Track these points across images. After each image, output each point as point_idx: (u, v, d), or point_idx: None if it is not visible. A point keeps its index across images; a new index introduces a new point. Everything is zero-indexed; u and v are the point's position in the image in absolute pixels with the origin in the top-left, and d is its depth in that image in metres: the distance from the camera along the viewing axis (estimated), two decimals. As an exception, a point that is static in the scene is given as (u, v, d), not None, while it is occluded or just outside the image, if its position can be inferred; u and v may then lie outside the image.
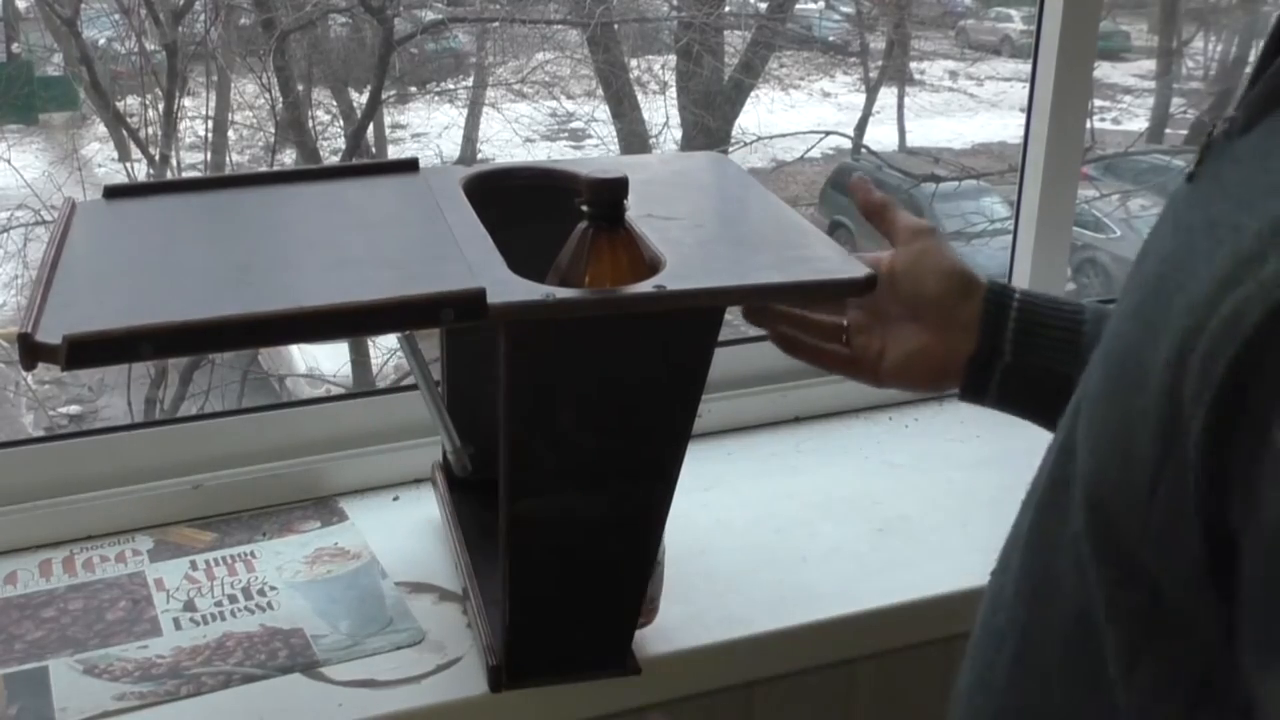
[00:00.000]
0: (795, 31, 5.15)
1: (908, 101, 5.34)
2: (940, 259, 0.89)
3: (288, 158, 3.69)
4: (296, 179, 1.06)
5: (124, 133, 3.64)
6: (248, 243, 0.91)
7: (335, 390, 3.43)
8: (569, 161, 1.02)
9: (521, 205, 1.00)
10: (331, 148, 3.80)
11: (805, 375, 1.36)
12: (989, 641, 0.68)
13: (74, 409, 3.59)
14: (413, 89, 4.40)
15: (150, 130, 3.54)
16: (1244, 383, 0.46)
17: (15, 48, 3.83)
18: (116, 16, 3.63)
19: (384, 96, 3.89)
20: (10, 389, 3.61)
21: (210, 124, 3.64)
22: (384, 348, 3.48)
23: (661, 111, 4.33)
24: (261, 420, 1.18)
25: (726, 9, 4.51)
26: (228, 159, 3.70)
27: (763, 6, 4.70)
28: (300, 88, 3.75)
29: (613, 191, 0.85)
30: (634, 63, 4.43)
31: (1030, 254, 1.41)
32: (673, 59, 4.42)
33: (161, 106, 3.44)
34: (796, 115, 4.83)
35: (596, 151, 4.26)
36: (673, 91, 4.39)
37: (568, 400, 0.82)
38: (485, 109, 4.41)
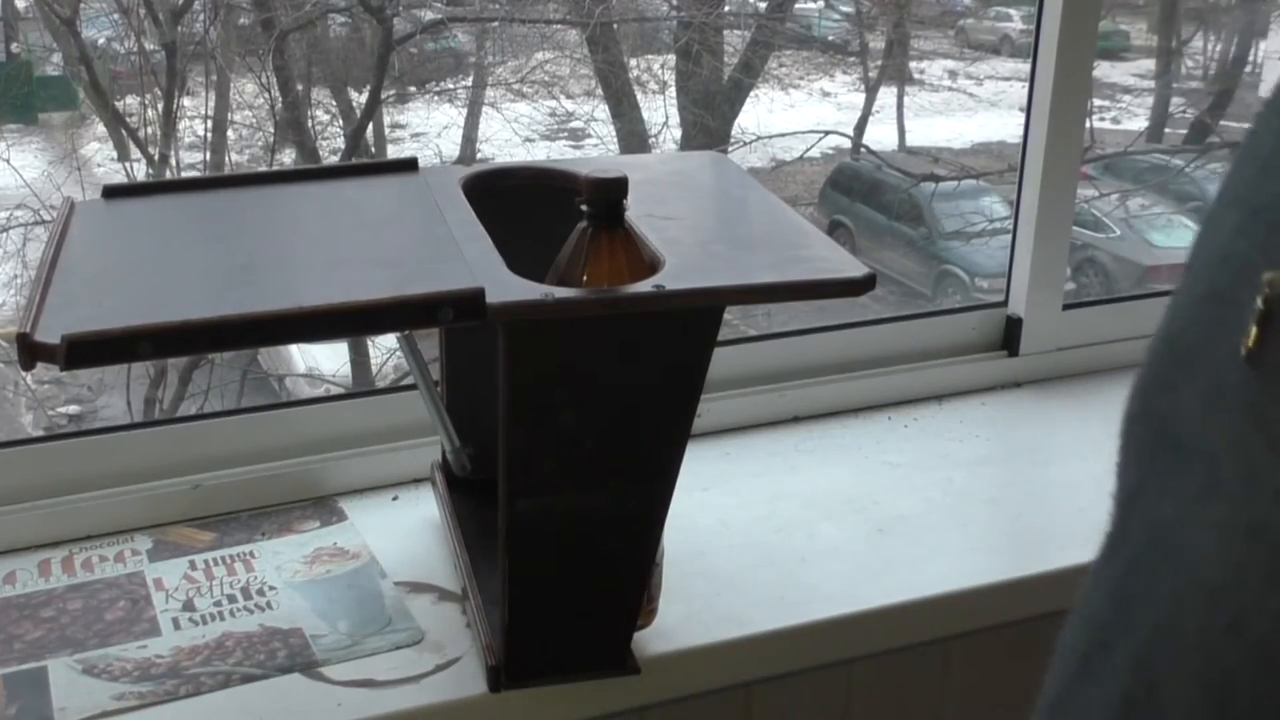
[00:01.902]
0: (795, 31, 5.15)
1: (907, 101, 5.34)
2: None
3: (287, 157, 3.69)
4: (296, 179, 1.06)
5: (123, 132, 3.64)
6: (247, 242, 0.91)
7: (335, 390, 3.42)
8: (568, 161, 1.02)
9: (521, 205, 1.00)
10: (331, 147, 3.79)
11: (805, 375, 1.36)
12: None
13: (73, 409, 3.58)
14: (412, 89, 4.40)
15: (149, 130, 3.54)
16: None
17: (14, 47, 3.83)
18: (116, 16, 3.63)
19: (383, 96, 3.88)
20: (9, 389, 3.61)
21: (209, 124, 3.64)
22: (383, 347, 3.47)
23: (661, 111, 4.33)
24: (261, 420, 1.18)
25: (726, 8, 4.51)
26: (227, 159, 3.70)
27: (762, 6, 4.70)
28: (299, 87, 3.75)
29: (612, 191, 0.85)
30: (633, 62, 4.43)
31: (1030, 254, 1.41)
32: (672, 58, 4.42)
33: (161, 106, 3.44)
34: (796, 115, 4.82)
35: (596, 151, 4.26)
36: (672, 91, 4.39)
37: (567, 400, 0.82)
38: (485, 109, 4.41)
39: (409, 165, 1.02)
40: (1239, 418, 0.45)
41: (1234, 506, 0.44)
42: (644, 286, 0.81)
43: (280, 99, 3.61)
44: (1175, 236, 4.58)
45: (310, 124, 3.81)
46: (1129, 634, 0.48)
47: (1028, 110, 1.41)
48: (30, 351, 0.71)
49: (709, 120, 4.31)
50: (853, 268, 0.85)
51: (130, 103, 3.61)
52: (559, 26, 4.32)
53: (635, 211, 0.88)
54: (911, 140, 5.33)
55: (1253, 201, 0.50)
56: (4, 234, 3.31)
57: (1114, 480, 0.55)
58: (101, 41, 3.73)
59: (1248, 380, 0.45)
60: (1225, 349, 0.46)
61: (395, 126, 4.38)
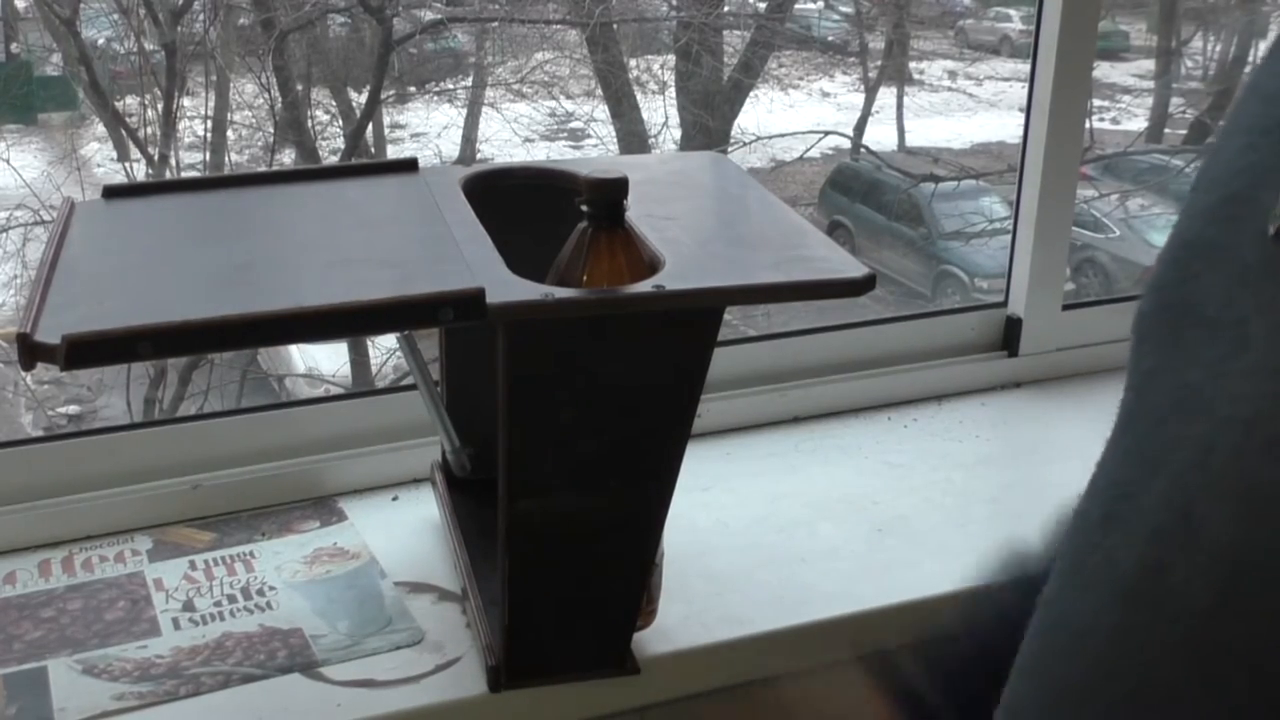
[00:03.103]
0: (794, 31, 5.15)
1: (907, 101, 5.34)
2: None
3: (287, 158, 3.69)
4: (295, 179, 1.06)
5: (123, 132, 3.64)
6: (247, 243, 0.91)
7: (334, 390, 3.43)
8: (568, 161, 1.02)
9: (520, 205, 1.00)
10: (331, 148, 3.80)
11: (805, 375, 1.36)
12: None
13: (73, 409, 3.59)
14: (412, 89, 4.40)
15: (149, 130, 3.54)
16: None
17: (14, 47, 3.83)
18: (115, 16, 3.63)
19: (383, 96, 3.89)
20: (9, 389, 3.61)
21: (209, 124, 3.64)
22: (383, 348, 3.47)
23: (660, 111, 4.33)
24: (260, 420, 1.18)
25: (725, 9, 4.51)
26: (227, 159, 3.70)
27: (762, 6, 4.70)
28: (299, 87, 3.75)
29: (612, 191, 0.85)
30: (633, 63, 4.43)
31: (1029, 254, 1.41)
32: (672, 59, 4.42)
33: (160, 106, 3.44)
34: (796, 115, 4.82)
35: (596, 151, 4.26)
36: (672, 91, 4.39)
37: (566, 400, 0.82)
38: (484, 109, 4.41)
39: (409, 165, 1.02)
40: (1266, 284, 0.51)
41: (1263, 354, 0.50)
42: (644, 286, 0.81)
43: (280, 99, 3.61)
44: (1175, 237, 4.57)
45: (310, 124, 3.81)
46: (1155, 479, 0.52)
47: (1027, 110, 1.41)
48: (30, 352, 0.71)
49: (709, 120, 4.31)
50: (852, 268, 0.85)
51: (130, 103, 3.61)
52: (559, 27, 4.32)
53: (635, 211, 0.88)
54: (911, 140, 5.33)
55: (1259, 126, 0.57)
56: (4, 234, 3.31)
57: (1126, 375, 0.61)
58: (101, 41, 3.73)
59: (1273, 254, 0.51)
60: (1247, 236, 0.52)
61: (395, 126, 4.38)
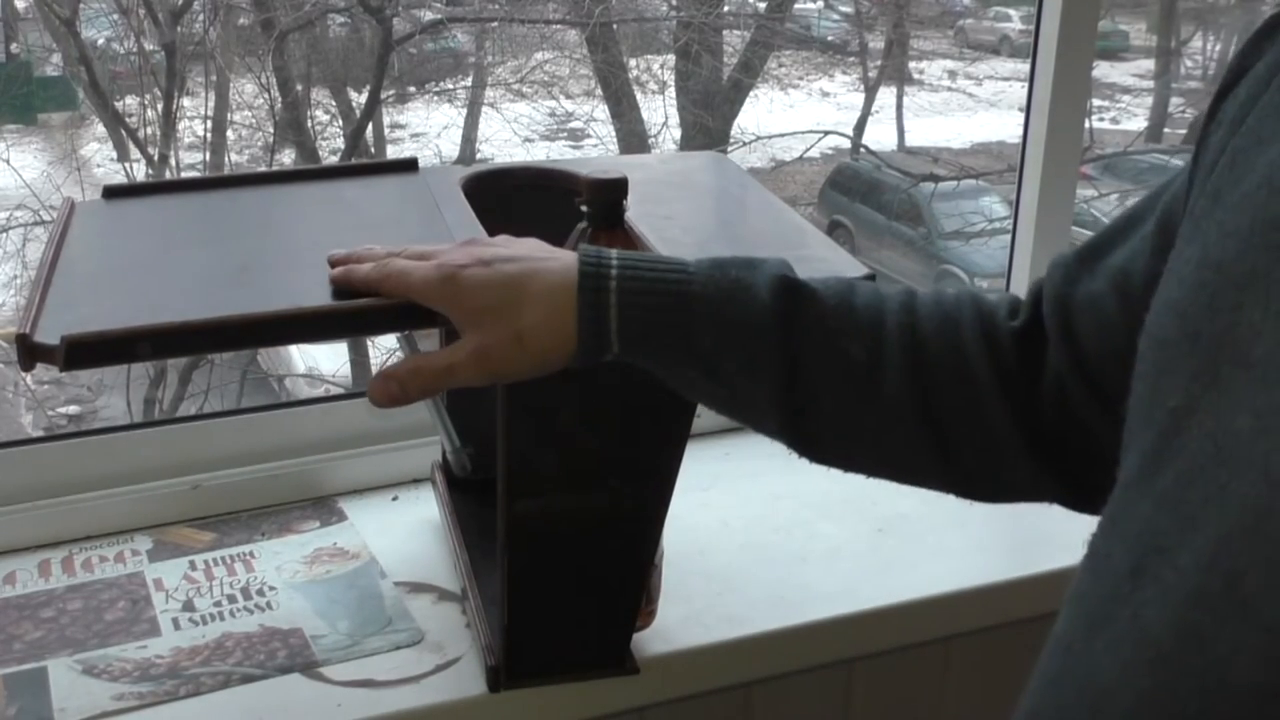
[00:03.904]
0: (794, 31, 5.16)
1: (907, 101, 5.35)
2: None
3: (287, 158, 3.69)
4: (295, 179, 1.05)
5: (123, 133, 3.64)
6: (246, 243, 0.90)
7: (334, 390, 3.43)
8: (568, 161, 1.02)
9: (520, 205, 1.00)
10: (330, 148, 3.80)
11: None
12: None
13: (73, 409, 3.59)
14: (412, 89, 4.40)
15: (149, 130, 3.54)
16: None
17: (14, 48, 3.83)
18: (115, 16, 3.63)
19: (383, 96, 3.89)
20: (9, 389, 3.61)
21: (209, 124, 3.64)
22: (384, 348, 3.47)
23: (660, 111, 4.33)
24: (260, 420, 1.18)
25: (725, 9, 4.51)
26: (226, 159, 3.70)
27: (761, 6, 4.70)
28: (299, 88, 3.75)
29: (612, 191, 0.85)
30: (633, 62, 4.43)
31: (1029, 253, 1.41)
32: (671, 59, 4.42)
33: (160, 106, 3.44)
34: (795, 115, 4.83)
35: (595, 151, 4.26)
36: (672, 91, 4.39)
37: (566, 401, 0.82)
38: (484, 109, 4.41)
39: (409, 165, 1.02)
40: None
41: None
42: (644, 287, 0.81)
43: (280, 99, 3.61)
44: (1174, 237, 4.57)
45: (310, 124, 3.81)
46: (1195, 536, 0.48)
47: (1027, 110, 1.41)
48: (30, 352, 0.71)
49: (709, 120, 4.31)
50: (852, 268, 0.85)
51: (130, 103, 3.61)
52: (559, 26, 4.32)
53: (635, 211, 0.88)
54: (911, 140, 5.34)
55: None
56: (4, 234, 3.32)
57: (1134, 403, 0.56)
58: (101, 42, 3.73)
59: None
60: None
61: (395, 126, 4.39)
